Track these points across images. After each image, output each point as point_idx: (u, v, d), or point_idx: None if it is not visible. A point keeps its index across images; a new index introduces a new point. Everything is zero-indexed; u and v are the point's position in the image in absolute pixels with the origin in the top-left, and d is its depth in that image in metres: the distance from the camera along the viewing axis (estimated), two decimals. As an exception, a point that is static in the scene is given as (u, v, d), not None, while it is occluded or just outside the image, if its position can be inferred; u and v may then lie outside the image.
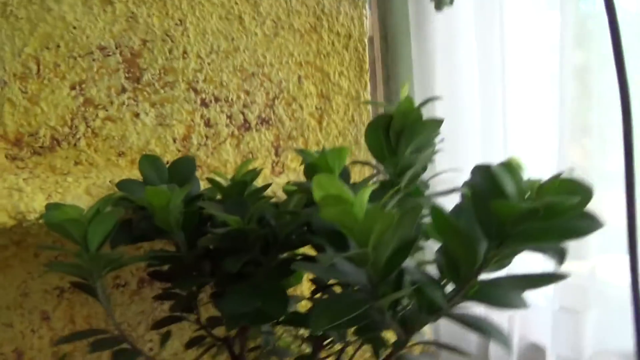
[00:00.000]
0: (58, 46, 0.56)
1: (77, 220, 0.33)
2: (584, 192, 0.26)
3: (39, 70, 0.55)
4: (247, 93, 0.65)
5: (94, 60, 0.57)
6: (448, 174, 1.08)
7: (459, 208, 0.31)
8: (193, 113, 0.62)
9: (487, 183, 0.28)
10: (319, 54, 0.70)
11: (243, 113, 0.65)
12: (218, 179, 0.44)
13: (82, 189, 0.48)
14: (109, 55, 0.58)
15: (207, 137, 0.63)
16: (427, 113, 1.03)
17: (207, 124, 0.63)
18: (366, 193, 0.27)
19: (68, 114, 0.56)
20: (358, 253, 0.27)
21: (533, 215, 0.26)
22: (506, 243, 0.27)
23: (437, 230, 0.28)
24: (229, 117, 0.65)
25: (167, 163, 0.61)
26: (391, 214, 0.26)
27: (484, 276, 0.32)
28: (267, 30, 0.66)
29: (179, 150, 0.62)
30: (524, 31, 0.96)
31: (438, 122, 0.42)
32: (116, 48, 0.58)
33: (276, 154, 0.68)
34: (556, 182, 0.26)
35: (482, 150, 0.97)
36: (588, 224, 0.25)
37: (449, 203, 0.39)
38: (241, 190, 0.42)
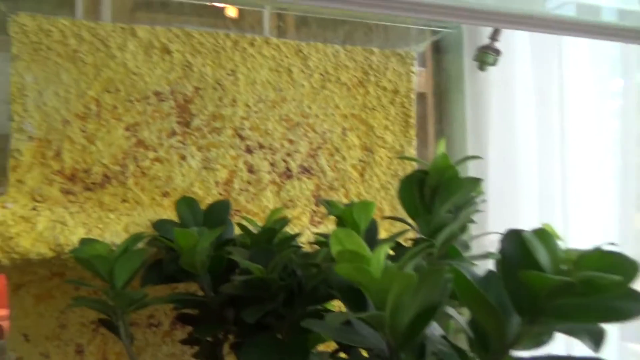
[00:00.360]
0: (118, 90, 0.60)
1: (104, 257, 0.34)
2: (628, 268, 0.23)
3: (98, 111, 0.59)
4: (291, 142, 0.67)
5: (149, 104, 0.61)
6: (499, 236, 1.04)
7: (490, 276, 0.28)
8: (237, 158, 0.64)
9: (518, 250, 0.26)
10: (365, 108, 0.70)
11: (285, 161, 0.66)
12: (247, 224, 0.44)
13: (122, 226, 0.50)
14: (163, 101, 0.61)
15: (248, 182, 0.64)
16: (478, 173, 1.01)
17: (250, 169, 0.65)
18: (383, 250, 0.25)
19: (120, 153, 0.59)
20: (374, 315, 0.26)
21: (569, 290, 0.24)
22: (539, 319, 0.25)
23: (462, 298, 0.26)
24: (272, 164, 0.66)
25: (208, 206, 0.62)
26: (410, 275, 0.24)
27: (519, 353, 0.29)
28: (314, 83, 0.68)
29: (221, 194, 0.63)
30: (584, 94, 0.93)
31: (476, 181, 0.40)
32: (170, 94, 0.62)
33: (316, 204, 0.68)
34: (597, 254, 0.24)
35: (540, 214, 0.92)
36: (633, 306, 0.23)
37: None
38: (269, 237, 0.41)
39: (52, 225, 0.46)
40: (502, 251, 0.26)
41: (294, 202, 0.66)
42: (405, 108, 0.72)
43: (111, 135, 0.59)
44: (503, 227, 0.85)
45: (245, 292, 0.36)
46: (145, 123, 0.61)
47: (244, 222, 0.44)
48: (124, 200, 0.59)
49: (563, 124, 0.93)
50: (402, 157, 0.48)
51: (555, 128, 0.95)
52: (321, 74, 0.68)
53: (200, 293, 0.46)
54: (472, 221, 0.50)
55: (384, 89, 0.71)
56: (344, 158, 0.69)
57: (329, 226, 0.69)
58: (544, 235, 0.25)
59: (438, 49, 1.10)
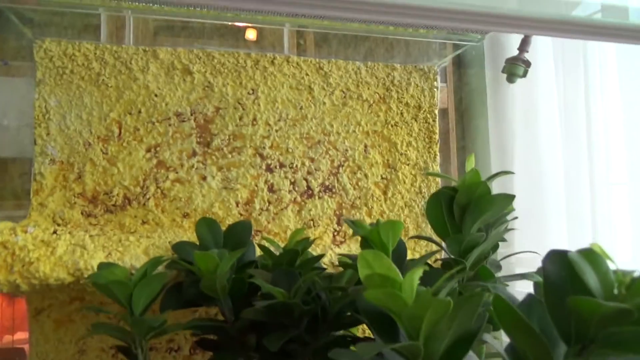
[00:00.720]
0: (139, 112, 0.60)
1: (122, 282, 0.33)
2: None
3: (120, 133, 0.59)
4: (312, 160, 0.65)
5: (170, 125, 0.61)
6: (528, 255, 1.00)
7: (531, 300, 0.26)
8: (257, 178, 0.63)
9: (563, 273, 0.24)
10: (387, 124, 0.69)
11: (307, 180, 0.65)
12: (268, 245, 0.42)
13: (142, 249, 0.49)
14: (184, 121, 0.61)
15: (269, 202, 0.63)
16: (503, 189, 0.98)
17: (271, 189, 0.63)
18: (417, 274, 0.23)
19: (141, 175, 0.59)
20: (407, 345, 0.24)
21: (624, 317, 0.21)
22: (589, 349, 0.23)
23: (502, 325, 0.24)
24: (293, 183, 0.64)
25: (229, 226, 0.61)
26: (446, 301, 0.22)
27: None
28: (335, 100, 0.67)
29: (241, 214, 0.62)
30: (612, 104, 0.90)
31: (509, 198, 0.38)
32: (191, 114, 0.62)
33: (338, 223, 0.66)
34: None
35: (568, 231, 0.89)
36: (697, 335, 0.20)
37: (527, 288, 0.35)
38: (292, 259, 0.40)
39: (71, 250, 0.46)
40: (545, 274, 0.24)
41: (315, 221, 0.65)
42: (429, 124, 0.70)
43: (132, 157, 0.59)
44: (529, 246, 0.82)
45: (267, 318, 0.35)
46: (166, 144, 0.60)
47: (266, 243, 0.43)
48: (144, 222, 0.59)
49: (590, 136, 0.90)
50: (429, 174, 0.46)
51: (582, 140, 0.92)
52: (342, 91, 0.67)
53: (221, 317, 0.44)
54: (503, 239, 0.48)
55: (407, 104, 0.70)
56: (366, 176, 0.67)
57: (351, 246, 0.67)
58: (592, 256, 0.23)
59: (459, 63, 1.08)
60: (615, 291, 0.23)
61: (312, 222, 0.65)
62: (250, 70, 0.64)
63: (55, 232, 0.49)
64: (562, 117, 0.90)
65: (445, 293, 0.25)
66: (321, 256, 0.42)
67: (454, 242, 0.38)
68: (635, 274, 0.22)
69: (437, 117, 0.71)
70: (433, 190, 0.70)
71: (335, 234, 0.66)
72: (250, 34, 0.76)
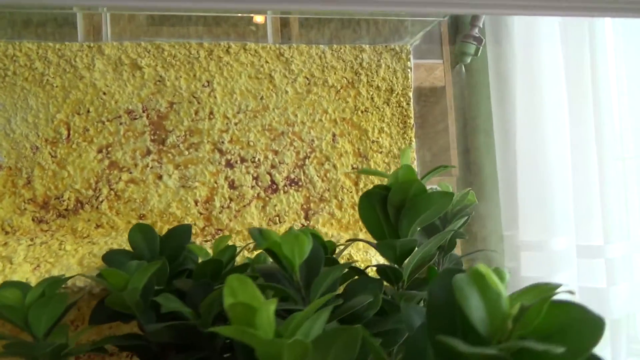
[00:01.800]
0: (88, 111, 0.57)
1: (12, 307, 0.30)
2: (589, 328, 0.17)
3: (69, 135, 0.57)
4: (276, 153, 0.62)
5: (121, 124, 0.58)
6: (538, 236, 0.95)
7: (423, 327, 0.22)
8: (217, 174, 0.60)
9: (448, 299, 0.20)
10: (356, 110, 0.64)
11: (270, 174, 0.62)
12: (197, 252, 0.39)
13: (77, 259, 0.47)
14: (135, 119, 0.58)
15: (230, 199, 0.60)
16: (506, 172, 0.92)
17: (232, 185, 0.60)
18: (271, 306, 0.20)
19: (93, 177, 0.57)
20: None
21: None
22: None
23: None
24: (255, 178, 0.61)
25: (188, 226, 0.59)
26: (301, 343, 0.19)
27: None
28: (299, 88, 0.63)
29: (201, 213, 0.59)
30: (621, 81, 0.83)
31: (448, 196, 0.34)
32: (143, 111, 0.59)
33: (306, 218, 0.63)
34: (547, 308, 0.18)
35: (576, 222, 0.83)
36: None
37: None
38: (215, 270, 0.37)
39: None
40: (430, 300, 0.20)
41: (281, 217, 0.62)
42: (403, 108, 0.65)
43: (82, 158, 0.57)
44: (536, 231, 0.77)
45: (174, 339, 0.32)
46: (118, 144, 0.58)
47: (193, 250, 0.40)
48: (98, 226, 0.57)
49: (600, 114, 0.83)
50: (361, 171, 0.42)
51: (588, 119, 0.85)
52: (306, 78, 0.63)
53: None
54: (461, 236, 0.44)
55: (377, 88, 0.65)
56: (335, 167, 0.63)
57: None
58: (481, 279, 0.19)
59: (456, 38, 1.02)
60: (504, 325, 0.19)
61: (277, 218, 0.62)
62: (203, 61, 0.60)
63: (-11, 243, 0.48)
64: (568, 92, 0.84)
65: (305, 330, 0.21)
66: (246, 265, 0.39)
67: (386, 247, 0.34)
68: (527, 303, 0.18)
69: (412, 100, 0.66)
70: (409, 179, 0.65)
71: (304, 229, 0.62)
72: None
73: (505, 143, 0.90)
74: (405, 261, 0.35)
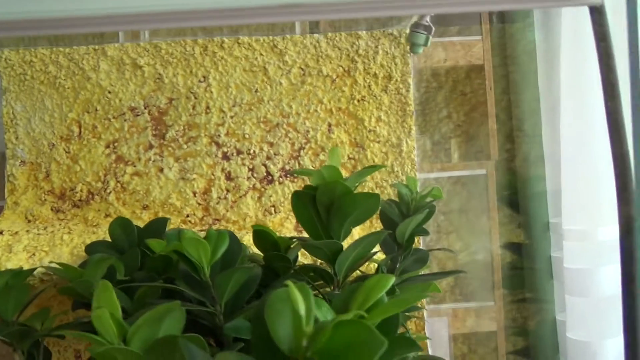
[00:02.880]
0: (96, 110, 0.62)
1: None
2: (369, 346, 0.17)
3: (80, 132, 0.62)
4: (271, 145, 0.63)
5: (125, 120, 0.62)
6: (582, 225, 0.89)
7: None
8: (214, 166, 0.63)
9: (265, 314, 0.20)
10: (353, 100, 0.63)
11: (265, 165, 0.63)
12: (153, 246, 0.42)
13: (69, 249, 0.52)
14: (138, 115, 0.62)
15: (227, 190, 0.63)
16: (553, 157, 0.87)
17: (228, 177, 0.63)
18: (115, 313, 0.21)
19: (102, 170, 0.62)
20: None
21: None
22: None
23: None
24: (251, 169, 0.63)
25: (187, 216, 0.62)
26: (132, 352, 0.20)
27: None
28: (293, 79, 0.63)
29: (199, 204, 0.62)
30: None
31: (373, 198, 0.33)
32: (145, 108, 0.62)
33: (301, 208, 0.63)
34: (336, 326, 0.18)
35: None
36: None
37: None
38: (165, 264, 0.39)
39: None
40: (254, 311, 0.21)
41: (276, 207, 0.63)
42: (401, 95, 0.63)
43: (92, 153, 0.62)
44: (579, 218, 0.72)
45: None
46: (123, 139, 0.62)
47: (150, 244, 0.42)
48: (106, 215, 0.62)
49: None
50: (294, 172, 0.42)
51: None
52: (300, 68, 0.63)
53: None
54: (423, 233, 0.43)
55: (375, 76, 0.63)
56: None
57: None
58: (284, 298, 0.19)
59: (498, 13, 0.95)
60: (305, 342, 0.19)
61: (273, 208, 0.63)
62: (199, 57, 0.62)
63: (1, 232, 0.54)
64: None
65: (166, 329, 0.22)
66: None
67: (312, 248, 0.35)
68: (319, 322, 0.18)
69: (412, 86, 0.64)
70: (408, 169, 0.63)
71: (299, 219, 0.63)
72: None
73: (552, 127, 0.84)
74: (337, 262, 0.35)
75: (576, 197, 0.83)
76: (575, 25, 0.77)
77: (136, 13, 0.24)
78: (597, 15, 0.26)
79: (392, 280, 0.25)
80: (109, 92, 0.62)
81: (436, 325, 0.78)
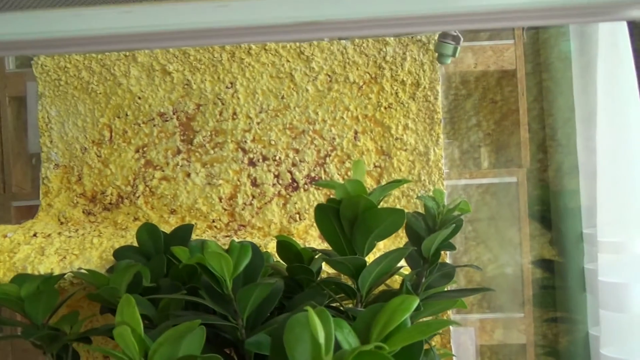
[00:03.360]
0: (127, 115, 0.63)
1: (9, 300, 0.36)
2: None
3: (111, 136, 0.64)
4: (297, 151, 0.63)
5: (154, 125, 0.63)
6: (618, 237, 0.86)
7: None
8: (240, 172, 0.63)
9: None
10: (379, 107, 0.63)
11: (291, 172, 0.63)
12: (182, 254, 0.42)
13: (98, 253, 0.53)
14: (167, 121, 0.63)
15: (253, 196, 0.63)
16: (588, 167, 0.85)
17: (254, 183, 0.63)
18: (137, 328, 0.22)
19: (131, 175, 0.63)
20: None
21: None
22: None
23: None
24: (276, 176, 0.63)
25: (213, 221, 0.63)
26: None
27: None
28: (320, 86, 0.63)
29: (225, 209, 0.63)
30: None
31: (398, 213, 0.33)
32: (173, 113, 0.63)
33: (326, 216, 0.63)
34: (353, 356, 0.17)
35: None
36: None
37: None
38: (190, 273, 0.39)
39: (28, 255, 0.52)
40: (273, 332, 0.21)
41: (301, 215, 0.63)
42: (429, 102, 0.62)
43: (122, 158, 0.63)
44: (614, 238, 0.70)
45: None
46: (152, 144, 0.63)
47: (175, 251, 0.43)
48: (135, 219, 0.63)
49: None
50: (317, 184, 0.41)
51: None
52: (327, 75, 0.63)
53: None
54: (450, 247, 0.42)
55: (402, 83, 0.62)
56: (356, 165, 0.63)
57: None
58: (303, 324, 0.19)
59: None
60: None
61: (297, 215, 0.63)
62: (226, 63, 0.63)
63: (35, 234, 0.56)
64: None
65: (187, 348, 0.22)
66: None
67: (336, 263, 0.34)
68: (338, 352, 0.18)
69: (440, 94, 0.62)
70: (435, 178, 0.62)
71: (324, 227, 0.63)
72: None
73: (586, 137, 0.82)
74: (360, 277, 0.35)
75: (612, 208, 0.80)
76: (612, 36, 0.74)
77: (147, 32, 0.24)
78: (636, 29, 0.25)
79: (416, 302, 0.24)
80: (139, 98, 0.63)
81: (462, 337, 0.76)
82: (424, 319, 0.36)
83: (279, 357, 0.20)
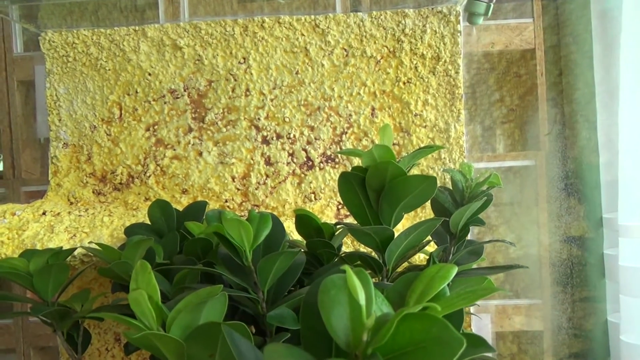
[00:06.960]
0: (136, 92, 0.61)
1: (18, 274, 0.35)
2: (444, 347, 0.14)
3: (121, 114, 0.62)
4: (312, 129, 0.61)
5: (165, 103, 0.61)
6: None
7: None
8: (253, 151, 0.61)
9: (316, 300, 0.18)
10: (398, 82, 0.60)
11: (306, 150, 0.61)
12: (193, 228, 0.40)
13: (109, 231, 0.51)
14: (178, 98, 0.61)
15: (266, 175, 0.61)
16: (609, 149, 0.83)
17: (268, 162, 0.61)
18: (154, 296, 0.20)
19: (142, 154, 0.61)
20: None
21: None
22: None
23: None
24: (291, 154, 0.61)
25: (226, 201, 0.61)
26: (173, 339, 0.18)
27: None
28: (336, 60, 0.60)
29: (238, 189, 0.61)
30: None
31: (430, 180, 0.30)
32: (184, 90, 0.61)
33: (343, 195, 0.61)
34: (400, 321, 0.15)
35: None
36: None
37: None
38: (205, 248, 0.38)
39: (37, 232, 0.50)
40: (305, 298, 0.19)
41: (317, 194, 0.61)
42: (450, 77, 0.60)
43: (132, 136, 0.61)
44: (636, 222, 0.68)
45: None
46: (163, 122, 0.61)
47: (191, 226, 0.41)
48: (146, 199, 0.61)
49: None
50: (341, 152, 0.39)
51: None
52: (343, 49, 0.60)
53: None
54: (479, 222, 0.40)
55: (422, 56, 0.60)
56: (373, 142, 0.61)
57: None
58: (341, 285, 0.17)
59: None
60: (365, 336, 0.16)
61: (313, 195, 0.61)
62: (239, 37, 0.61)
63: (44, 213, 0.54)
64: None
65: (206, 316, 0.21)
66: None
67: (361, 234, 0.32)
68: (381, 314, 0.16)
69: (461, 68, 0.60)
70: (455, 156, 0.60)
71: (340, 207, 0.61)
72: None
73: (609, 114, 0.79)
74: (387, 250, 0.33)
75: (635, 190, 0.78)
76: (636, 11, 0.72)
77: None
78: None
79: (455, 270, 0.22)
80: (149, 74, 0.61)
81: (479, 322, 0.74)
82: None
83: (311, 324, 0.18)
